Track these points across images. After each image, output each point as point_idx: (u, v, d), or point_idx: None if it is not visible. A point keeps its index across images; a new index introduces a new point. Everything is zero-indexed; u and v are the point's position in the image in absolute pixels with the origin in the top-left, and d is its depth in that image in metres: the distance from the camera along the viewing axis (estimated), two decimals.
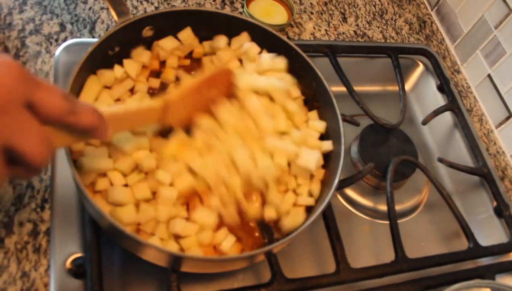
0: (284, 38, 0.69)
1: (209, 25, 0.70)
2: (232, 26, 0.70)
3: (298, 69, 0.70)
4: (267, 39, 0.70)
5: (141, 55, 0.67)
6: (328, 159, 0.66)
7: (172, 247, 0.55)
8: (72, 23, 0.78)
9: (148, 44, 0.68)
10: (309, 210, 0.64)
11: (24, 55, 0.72)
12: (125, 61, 0.65)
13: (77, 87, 0.59)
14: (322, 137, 0.68)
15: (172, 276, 0.55)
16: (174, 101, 0.58)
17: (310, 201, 0.63)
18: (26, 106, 0.37)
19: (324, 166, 0.66)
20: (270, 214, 0.61)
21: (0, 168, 0.36)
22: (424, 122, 0.87)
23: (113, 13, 0.63)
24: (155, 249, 0.51)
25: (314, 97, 0.70)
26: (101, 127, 0.44)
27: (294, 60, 0.70)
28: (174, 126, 0.60)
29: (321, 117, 0.69)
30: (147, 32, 0.66)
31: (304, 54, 0.69)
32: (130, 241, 0.51)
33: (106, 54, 0.63)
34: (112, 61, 0.64)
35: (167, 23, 0.67)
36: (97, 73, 0.63)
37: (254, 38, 0.71)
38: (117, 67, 0.64)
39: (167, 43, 0.68)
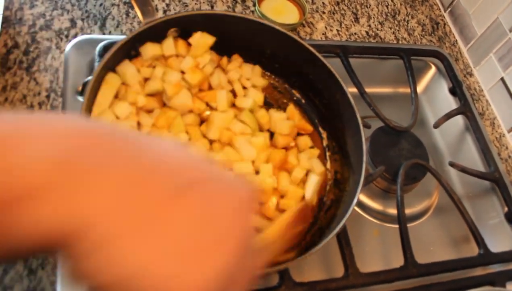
0: (312, 48, 0.68)
1: (237, 30, 0.69)
2: (260, 33, 0.69)
3: (322, 80, 0.69)
4: (293, 47, 0.69)
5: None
6: (347, 178, 0.66)
7: None
8: (82, 19, 0.77)
9: None
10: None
11: (34, 51, 0.72)
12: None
13: (96, 86, 0.59)
14: (342, 155, 0.69)
15: None
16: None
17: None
18: None
19: (341, 185, 0.67)
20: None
21: None
22: (436, 125, 0.85)
23: (138, 13, 0.62)
24: None
25: (337, 110, 0.70)
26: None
27: (319, 71, 0.69)
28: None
29: (342, 134, 0.69)
30: (172, 33, 0.65)
31: (330, 66, 0.67)
32: None
33: (129, 54, 0.62)
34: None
35: (194, 25, 0.66)
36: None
37: (277, 45, 0.70)
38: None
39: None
